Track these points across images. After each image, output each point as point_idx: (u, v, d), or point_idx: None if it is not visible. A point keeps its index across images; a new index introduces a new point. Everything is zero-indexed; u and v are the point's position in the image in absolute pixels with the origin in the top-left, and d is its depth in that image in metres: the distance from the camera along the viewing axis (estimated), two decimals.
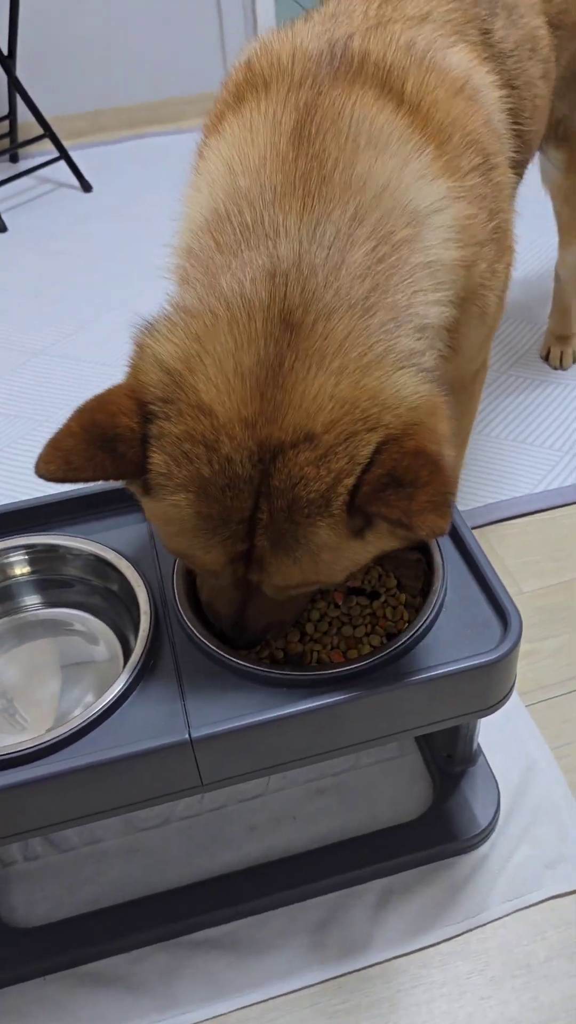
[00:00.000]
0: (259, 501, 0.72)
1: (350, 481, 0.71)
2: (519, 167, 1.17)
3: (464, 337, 1.01)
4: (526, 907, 1.03)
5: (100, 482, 0.76)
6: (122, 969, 1.01)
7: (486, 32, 1.10)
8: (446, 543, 0.96)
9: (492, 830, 1.08)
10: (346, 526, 0.73)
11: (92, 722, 0.82)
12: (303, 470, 0.71)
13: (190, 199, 0.92)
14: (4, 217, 2.66)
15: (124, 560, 0.97)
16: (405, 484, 0.68)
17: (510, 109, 1.10)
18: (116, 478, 0.75)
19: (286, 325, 0.73)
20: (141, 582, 0.94)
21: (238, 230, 0.81)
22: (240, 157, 0.87)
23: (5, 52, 2.74)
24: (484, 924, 1.02)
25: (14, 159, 3.04)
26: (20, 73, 2.80)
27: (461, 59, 1.02)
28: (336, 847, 1.08)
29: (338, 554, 0.76)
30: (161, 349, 0.75)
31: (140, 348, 0.78)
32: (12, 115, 2.97)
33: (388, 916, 1.03)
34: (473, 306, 0.98)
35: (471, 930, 1.02)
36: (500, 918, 1.02)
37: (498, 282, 1.03)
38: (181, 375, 0.73)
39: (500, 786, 1.12)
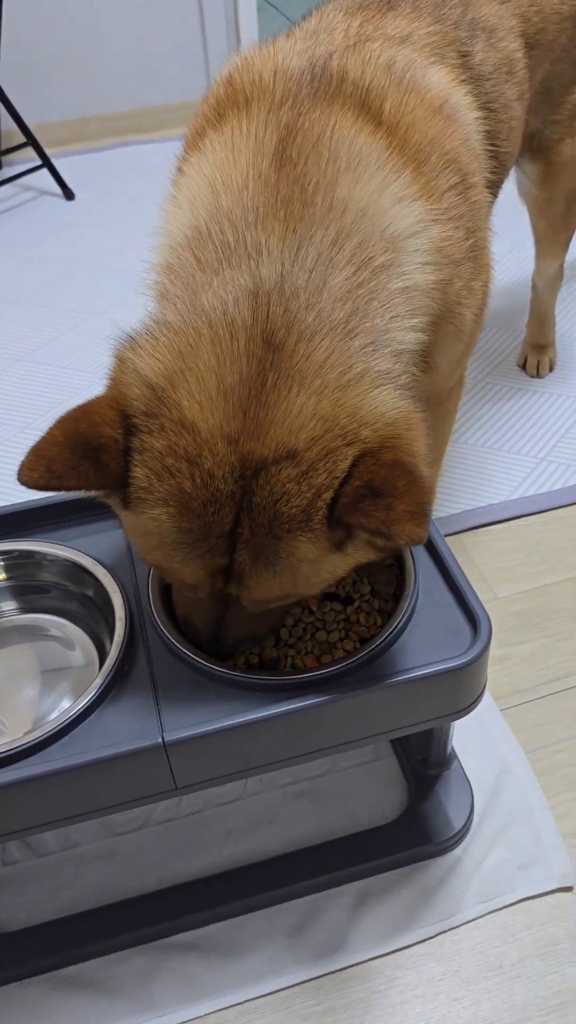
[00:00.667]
0: (240, 516, 0.73)
1: (329, 495, 0.72)
2: (494, 187, 1.19)
3: (439, 354, 1.03)
4: (499, 909, 1.04)
5: (84, 492, 0.76)
6: (100, 972, 1.01)
7: (465, 55, 1.12)
8: (419, 550, 0.98)
9: (466, 833, 1.10)
10: (327, 539, 0.74)
11: (66, 727, 0.83)
12: (285, 486, 0.72)
13: (170, 216, 0.93)
14: None
15: (100, 566, 0.98)
16: (383, 494, 0.70)
17: (487, 131, 1.12)
18: (98, 488, 0.75)
19: (268, 345, 0.75)
20: (117, 588, 0.95)
21: (219, 249, 0.82)
22: (222, 176, 0.88)
23: None
24: (458, 926, 1.03)
25: None
26: (2, 81, 2.80)
27: (440, 79, 1.04)
28: (313, 850, 1.09)
29: (317, 567, 0.77)
30: (143, 364, 0.76)
31: (121, 362, 0.78)
32: None
33: (364, 918, 1.04)
34: (449, 324, 1.00)
35: (445, 932, 1.03)
36: (473, 919, 1.04)
37: (474, 300, 1.04)
38: (164, 391, 0.74)
39: (474, 789, 1.13)
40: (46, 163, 2.81)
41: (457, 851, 1.09)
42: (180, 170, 0.97)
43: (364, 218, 0.84)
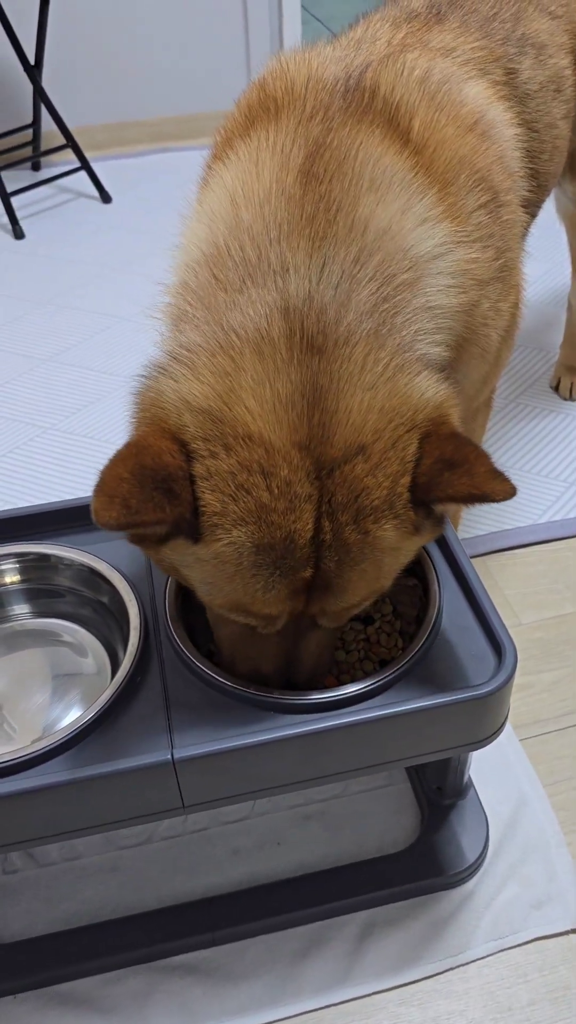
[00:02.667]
0: (320, 520, 0.73)
1: (407, 480, 0.74)
2: (532, 206, 1.16)
3: (464, 375, 1.01)
4: (511, 947, 1.01)
5: (158, 526, 0.71)
6: (95, 991, 0.99)
7: (511, 72, 1.10)
8: (444, 571, 0.95)
9: (479, 866, 1.06)
10: (410, 522, 0.75)
11: (73, 737, 0.80)
12: (362, 481, 0.72)
13: (189, 232, 0.91)
14: (23, 224, 2.67)
15: (117, 573, 0.95)
16: (458, 463, 0.72)
17: (527, 149, 1.09)
18: (173, 521, 0.71)
19: (312, 350, 0.74)
20: (133, 596, 0.93)
21: (240, 266, 0.80)
22: (244, 190, 0.86)
23: (32, 62, 2.76)
24: (467, 963, 1.00)
25: (36, 167, 3.05)
26: (45, 83, 2.82)
27: (477, 94, 1.01)
28: (320, 876, 1.06)
29: (397, 554, 0.78)
30: (187, 390, 0.74)
31: (157, 394, 0.75)
32: (36, 124, 2.99)
33: (369, 950, 1.01)
34: (474, 346, 0.98)
35: (453, 968, 0.99)
36: (483, 957, 1.00)
37: (502, 320, 1.01)
38: (220, 412, 0.72)
39: (490, 821, 1.09)
40: (85, 166, 2.82)
41: (469, 885, 1.05)
42: (204, 181, 0.95)
43: (385, 237, 0.82)
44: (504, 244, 0.97)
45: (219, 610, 0.80)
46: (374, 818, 1.12)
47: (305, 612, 0.78)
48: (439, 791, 1.10)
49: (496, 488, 0.70)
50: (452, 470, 0.72)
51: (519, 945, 1.01)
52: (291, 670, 0.85)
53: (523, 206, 1.06)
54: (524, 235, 1.09)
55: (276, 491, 0.71)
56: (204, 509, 0.72)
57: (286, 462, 0.71)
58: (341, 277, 0.78)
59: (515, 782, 1.16)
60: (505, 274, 0.98)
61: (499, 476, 0.71)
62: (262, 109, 0.93)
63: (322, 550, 0.73)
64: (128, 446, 0.71)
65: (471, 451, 0.72)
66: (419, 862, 1.05)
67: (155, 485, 0.69)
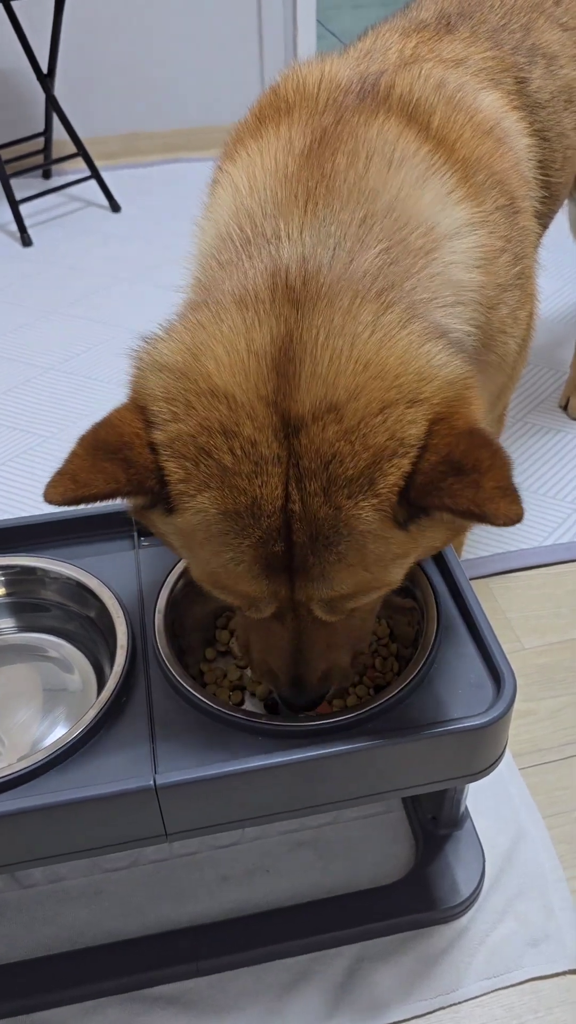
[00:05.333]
0: (289, 488, 0.65)
1: (404, 463, 0.65)
2: (544, 218, 1.14)
3: (480, 387, 0.97)
4: (505, 987, 0.97)
5: (119, 498, 0.69)
6: (72, 1021, 0.95)
7: (522, 81, 1.08)
8: (443, 594, 0.92)
9: (474, 901, 1.02)
10: (392, 509, 0.66)
11: (52, 760, 0.78)
12: (333, 445, 0.64)
13: (201, 229, 0.90)
14: (31, 232, 2.66)
15: (106, 589, 0.93)
16: (468, 471, 0.62)
17: (539, 159, 1.07)
18: (131, 488, 0.68)
19: (293, 304, 0.69)
20: (121, 612, 0.90)
21: (239, 245, 0.78)
22: (248, 178, 0.84)
23: (44, 71, 2.75)
24: (459, 1003, 0.96)
25: (47, 175, 3.05)
26: (58, 92, 2.81)
27: (491, 103, 1.00)
28: (310, 906, 1.02)
29: (386, 543, 0.68)
30: (158, 351, 0.71)
31: (138, 361, 0.73)
32: (48, 132, 2.98)
33: (358, 985, 0.97)
34: (491, 353, 0.94)
35: (444, 1008, 0.95)
36: (477, 997, 0.96)
37: (519, 329, 0.99)
38: (185, 366, 0.68)
39: (486, 853, 1.06)
40: (95, 174, 2.81)
41: (464, 920, 1.02)
42: (215, 180, 0.93)
43: (396, 203, 0.78)
44: (521, 250, 0.94)
45: (204, 587, 0.75)
46: (368, 847, 1.08)
47: (295, 599, 0.71)
48: (434, 821, 1.06)
49: (500, 510, 0.61)
50: (457, 476, 0.63)
51: (514, 985, 0.97)
52: (300, 670, 0.78)
53: (536, 217, 1.04)
54: (537, 245, 1.06)
55: (239, 452, 0.65)
56: (168, 478, 0.68)
57: (250, 419, 0.65)
58: (342, 237, 0.74)
59: (513, 813, 1.12)
60: (522, 282, 0.96)
61: (508, 495, 0.61)
62: (273, 110, 0.92)
63: (292, 522, 0.66)
64: (93, 425, 0.70)
65: (486, 456, 0.62)
66: (412, 895, 1.02)
67: (107, 456, 0.67)
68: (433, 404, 0.66)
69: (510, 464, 0.63)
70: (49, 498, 0.66)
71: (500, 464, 0.62)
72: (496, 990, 0.97)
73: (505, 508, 0.61)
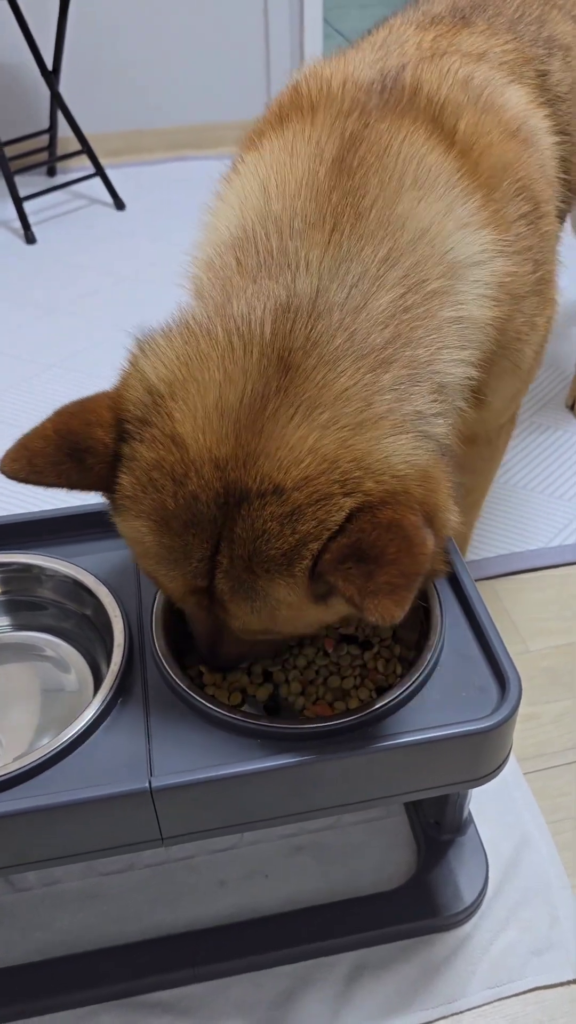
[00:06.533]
0: (220, 544, 0.69)
1: (316, 546, 0.66)
2: (561, 216, 1.12)
3: (493, 391, 0.95)
4: (508, 996, 0.95)
5: (67, 491, 0.74)
6: None
7: (543, 74, 1.07)
8: (447, 595, 0.90)
9: (477, 908, 1.00)
10: (306, 589, 0.69)
11: (47, 761, 0.76)
12: (266, 524, 0.67)
13: (219, 212, 0.88)
14: (35, 229, 2.64)
15: (103, 587, 0.91)
16: (367, 559, 0.63)
17: (561, 157, 1.05)
18: (79, 489, 0.73)
19: (282, 364, 0.69)
20: (118, 611, 0.88)
21: (262, 255, 0.77)
22: (276, 180, 0.83)
23: (49, 67, 2.74)
24: (461, 1012, 0.94)
25: (51, 173, 3.03)
26: (63, 89, 2.79)
27: (519, 100, 0.98)
28: (309, 912, 1.01)
29: (299, 612, 0.72)
30: (149, 367, 0.72)
31: (133, 360, 0.74)
32: (52, 129, 2.96)
33: (358, 993, 0.95)
34: (506, 360, 0.93)
35: (446, 1017, 0.93)
36: (479, 1006, 0.94)
37: (536, 336, 0.97)
38: (163, 399, 0.70)
39: (489, 860, 1.04)
40: (99, 172, 2.79)
41: (466, 927, 1.00)
42: (234, 168, 0.92)
43: (423, 239, 0.78)
44: (542, 257, 0.93)
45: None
46: (368, 852, 1.06)
47: (215, 613, 0.75)
48: (437, 826, 1.04)
49: (375, 605, 0.60)
50: (357, 563, 0.63)
51: (518, 994, 0.95)
52: (215, 644, 0.82)
53: (557, 217, 1.02)
54: (557, 246, 1.04)
55: (181, 501, 0.68)
56: (119, 488, 0.71)
57: (197, 475, 0.68)
58: (362, 277, 0.74)
59: (517, 819, 1.10)
60: (542, 287, 0.94)
61: (395, 594, 0.61)
62: (296, 108, 0.90)
63: (217, 571, 0.69)
64: (72, 404, 0.72)
65: (394, 551, 0.62)
66: (414, 901, 1.00)
67: (70, 452, 0.70)
68: (368, 495, 0.66)
69: (419, 564, 0.62)
70: (3, 469, 0.70)
71: (406, 560, 0.62)
72: (499, 999, 0.95)
73: (384, 605, 0.60)
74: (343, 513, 0.66)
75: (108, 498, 0.74)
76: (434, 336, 0.76)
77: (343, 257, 0.75)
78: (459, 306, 0.79)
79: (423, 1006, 0.94)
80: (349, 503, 0.66)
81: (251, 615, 0.72)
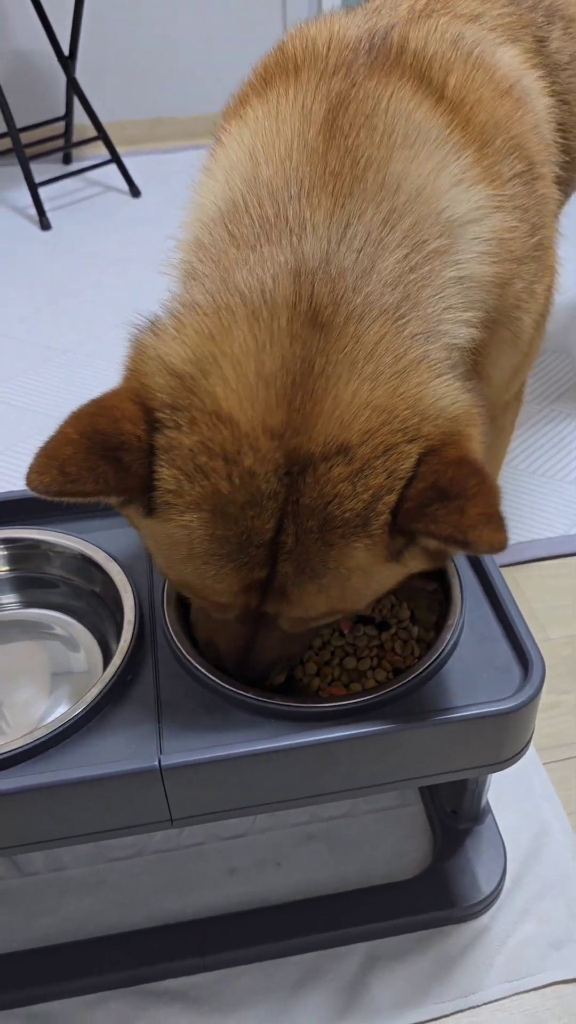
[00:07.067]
0: (284, 522, 0.65)
1: (392, 498, 0.64)
2: (565, 185, 1.09)
3: (492, 364, 0.93)
4: (526, 991, 0.92)
5: (104, 498, 0.66)
6: (74, 1014, 0.91)
7: (541, 40, 1.04)
8: (467, 575, 0.87)
9: (495, 899, 0.98)
10: (385, 547, 0.66)
11: (54, 737, 0.74)
12: (337, 486, 0.64)
13: (203, 187, 0.85)
14: (50, 216, 2.62)
15: (114, 563, 0.89)
16: (453, 497, 0.62)
17: (559, 122, 1.02)
18: (119, 493, 0.66)
19: (315, 324, 0.66)
20: (129, 587, 0.86)
21: (257, 223, 0.74)
22: (264, 145, 0.80)
23: (66, 53, 2.72)
24: (477, 1006, 0.91)
25: (67, 160, 3.02)
26: (80, 75, 2.78)
27: (512, 59, 0.96)
28: (322, 900, 0.98)
29: (369, 579, 0.69)
30: (167, 350, 0.68)
31: (141, 349, 0.70)
32: (68, 116, 2.95)
33: (371, 985, 0.92)
34: (505, 329, 0.90)
35: (462, 1011, 0.91)
36: (496, 1000, 0.91)
37: (536, 304, 0.94)
38: (194, 379, 0.65)
39: (508, 850, 1.01)
40: (115, 159, 2.78)
41: (484, 919, 0.97)
42: (218, 139, 0.89)
43: (419, 199, 0.75)
44: (539, 220, 0.90)
45: (173, 585, 0.74)
46: (383, 841, 1.04)
47: (260, 609, 0.71)
48: (454, 815, 1.02)
49: (482, 537, 0.60)
50: (443, 502, 0.62)
51: (536, 989, 0.92)
52: (248, 656, 0.77)
53: (556, 183, 0.99)
54: (557, 213, 1.01)
55: (237, 481, 0.64)
56: (159, 484, 0.66)
57: (253, 450, 0.64)
58: (366, 240, 0.71)
59: (536, 809, 1.07)
60: (540, 253, 0.91)
61: (493, 523, 0.60)
62: (280, 69, 0.87)
63: (281, 553, 0.66)
64: (90, 403, 0.66)
65: (473, 484, 0.62)
66: (429, 892, 0.97)
67: (103, 453, 0.63)
68: (429, 440, 0.65)
69: (497, 493, 0.62)
70: (33, 485, 0.62)
71: (487, 492, 0.62)
72: (517, 994, 0.92)
73: (488, 535, 0.60)
74: (411, 460, 0.64)
75: (137, 503, 0.68)
76: (439, 296, 0.74)
77: (347, 220, 0.72)
78: (460, 265, 0.77)
79: (438, 999, 0.91)
80: (414, 449, 0.64)
81: (317, 595, 0.68)
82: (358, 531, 0.65)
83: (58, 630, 0.92)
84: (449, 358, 0.72)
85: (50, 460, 0.62)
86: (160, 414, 0.66)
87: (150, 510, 0.67)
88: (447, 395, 0.67)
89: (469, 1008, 0.91)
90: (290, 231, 0.72)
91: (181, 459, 0.65)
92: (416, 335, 0.70)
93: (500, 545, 0.60)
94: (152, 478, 0.66)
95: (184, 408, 0.65)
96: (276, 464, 0.64)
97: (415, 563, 0.69)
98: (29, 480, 0.62)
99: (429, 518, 0.62)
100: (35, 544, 0.91)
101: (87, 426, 0.64)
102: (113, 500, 0.68)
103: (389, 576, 0.70)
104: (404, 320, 0.70)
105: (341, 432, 0.64)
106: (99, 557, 0.89)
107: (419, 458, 0.64)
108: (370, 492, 0.64)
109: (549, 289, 0.98)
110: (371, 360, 0.66)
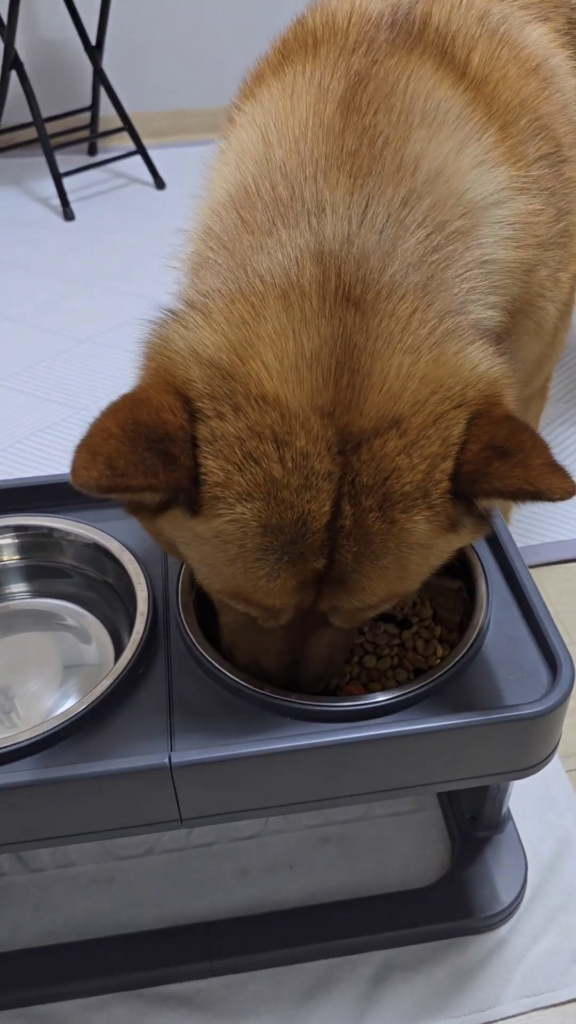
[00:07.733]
0: (340, 504, 0.62)
1: (448, 465, 0.64)
2: None
3: (517, 356, 0.90)
4: (546, 1007, 0.89)
5: (151, 494, 0.63)
6: (76, 1017, 0.89)
7: (573, 21, 1.00)
8: (494, 573, 0.84)
9: (515, 910, 0.94)
10: (446, 517, 0.65)
11: (62, 731, 0.71)
12: (394, 460, 0.63)
13: (214, 172, 0.83)
14: (74, 207, 2.62)
15: (127, 552, 0.86)
16: (512, 452, 0.62)
17: None
18: (167, 488, 0.62)
19: (348, 302, 0.64)
20: (143, 578, 0.83)
21: (271, 207, 0.71)
22: (277, 125, 0.77)
23: (93, 43, 2.71)
24: (495, 1021, 0.88)
25: (92, 151, 3.01)
26: (106, 66, 2.77)
27: (541, 37, 0.92)
28: (335, 907, 0.95)
29: (428, 553, 0.67)
30: (198, 340, 0.65)
31: (166, 341, 0.67)
32: (95, 107, 2.94)
33: (384, 995, 0.89)
34: (528, 319, 0.87)
35: None
36: (515, 1016, 0.88)
37: (560, 293, 0.91)
38: (232, 366, 0.63)
39: (528, 860, 0.97)
40: (140, 150, 2.77)
41: (503, 930, 0.93)
42: (230, 120, 0.86)
43: (438, 179, 0.73)
44: (566, 204, 0.87)
45: (217, 596, 0.71)
46: (399, 846, 1.00)
47: (315, 607, 0.68)
48: (473, 821, 0.98)
49: (554, 485, 0.59)
50: (503, 459, 0.62)
51: (556, 1005, 0.89)
52: (296, 669, 0.74)
53: None
54: None
55: (290, 464, 0.61)
56: (205, 478, 0.62)
57: (304, 430, 0.61)
58: (387, 221, 0.69)
59: (559, 819, 1.03)
60: (565, 240, 0.88)
61: (558, 471, 0.60)
62: (299, 44, 0.85)
63: (339, 538, 0.63)
64: (124, 398, 0.62)
65: (527, 438, 0.62)
66: (447, 901, 0.94)
67: (148, 445, 0.59)
68: (473, 404, 0.66)
69: (547, 448, 0.63)
70: (82, 482, 0.57)
71: (541, 444, 0.62)
72: (536, 1009, 0.88)
73: (559, 482, 0.60)
74: (461, 425, 0.64)
75: (188, 500, 0.64)
76: (463, 276, 0.72)
77: (366, 201, 0.70)
78: (483, 247, 0.75)
79: (454, 1013, 0.88)
80: (462, 414, 0.64)
81: (378, 579, 0.66)
82: (419, 503, 0.64)
83: (70, 621, 0.90)
84: (479, 333, 0.70)
85: (95, 455, 0.58)
86: (199, 404, 0.63)
87: (195, 508, 0.64)
88: (483, 360, 0.67)
89: (486, 1023, 0.88)
90: (308, 212, 0.69)
91: (227, 448, 0.62)
92: (444, 312, 0.68)
93: (572, 489, 0.60)
94: (197, 472, 0.63)
95: (225, 396, 0.63)
96: (329, 443, 0.62)
97: (467, 533, 0.69)
98: (76, 476, 0.58)
99: (493, 476, 0.62)
100: (48, 532, 0.89)
101: (127, 419, 0.60)
102: (156, 500, 0.64)
103: (445, 549, 0.69)
104: (431, 297, 0.68)
105: (392, 405, 0.63)
106: (113, 547, 0.86)
107: (467, 422, 0.64)
108: (427, 462, 0.63)
109: (574, 277, 0.95)
110: (408, 333, 0.65)
